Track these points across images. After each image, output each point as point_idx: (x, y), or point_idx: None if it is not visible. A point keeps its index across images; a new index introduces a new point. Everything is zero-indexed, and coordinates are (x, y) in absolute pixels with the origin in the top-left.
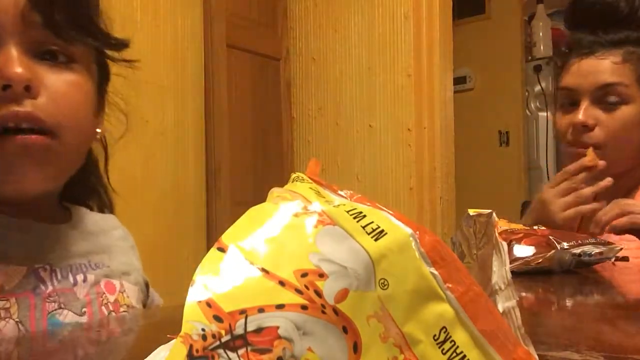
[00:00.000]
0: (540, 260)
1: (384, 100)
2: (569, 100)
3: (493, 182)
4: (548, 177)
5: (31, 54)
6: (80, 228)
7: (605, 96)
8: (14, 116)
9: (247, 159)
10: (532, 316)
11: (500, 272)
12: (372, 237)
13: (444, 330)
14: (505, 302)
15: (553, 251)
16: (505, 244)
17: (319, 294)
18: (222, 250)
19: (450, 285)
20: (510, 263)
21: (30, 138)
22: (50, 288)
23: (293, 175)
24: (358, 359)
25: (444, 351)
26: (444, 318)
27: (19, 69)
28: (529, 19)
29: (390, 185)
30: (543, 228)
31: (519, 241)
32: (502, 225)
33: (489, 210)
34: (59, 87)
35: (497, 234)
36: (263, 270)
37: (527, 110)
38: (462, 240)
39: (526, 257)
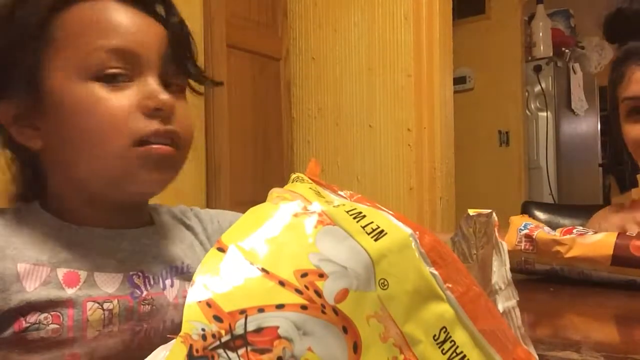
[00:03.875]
0: None
1: (383, 100)
2: (637, 110)
3: (493, 182)
4: (548, 177)
5: (162, 84)
6: (164, 231)
7: None
8: (164, 132)
9: (247, 158)
10: (532, 316)
11: (500, 272)
12: (372, 237)
13: (444, 330)
14: (505, 302)
15: None
16: (505, 244)
17: (319, 294)
18: (222, 250)
19: (450, 286)
20: None
21: (166, 148)
22: (145, 292)
23: (293, 176)
24: (358, 358)
25: (444, 351)
26: (443, 318)
27: (167, 97)
28: (528, 19)
29: (390, 185)
30: None
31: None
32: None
33: (489, 210)
34: (182, 111)
35: (497, 234)
36: (263, 270)
37: (527, 110)
38: (462, 240)
39: None
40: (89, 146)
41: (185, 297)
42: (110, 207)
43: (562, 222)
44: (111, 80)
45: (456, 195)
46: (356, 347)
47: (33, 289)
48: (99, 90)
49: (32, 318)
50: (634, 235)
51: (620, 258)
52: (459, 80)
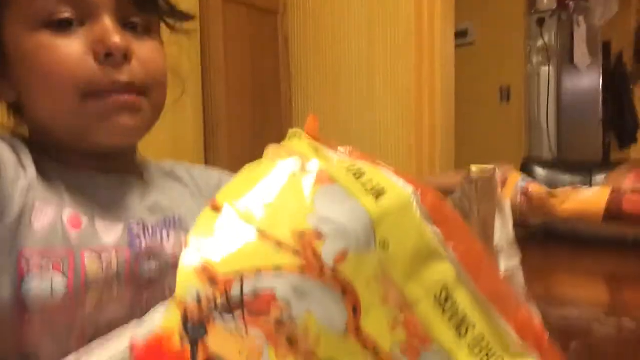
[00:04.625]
0: None
1: (384, 56)
2: None
3: (494, 138)
4: (548, 133)
5: (119, 25)
6: (152, 182)
7: None
8: (114, 83)
9: (245, 114)
10: (528, 273)
11: (502, 231)
12: (372, 196)
13: (445, 290)
14: (507, 262)
15: None
16: (508, 202)
17: (316, 255)
18: (216, 209)
19: (452, 244)
20: None
21: (125, 97)
22: (144, 243)
23: (290, 132)
24: (358, 321)
25: (444, 311)
26: (445, 278)
27: (118, 39)
28: None
29: (390, 142)
30: None
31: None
32: None
33: (492, 166)
34: (146, 53)
35: (499, 192)
36: (259, 231)
37: (529, 65)
38: (463, 197)
39: None
40: (42, 99)
41: (181, 251)
42: (97, 155)
43: (562, 177)
44: (61, 27)
45: (456, 152)
46: (356, 310)
47: (41, 227)
48: (47, 38)
49: (34, 264)
50: (628, 191)
51: (612, 213)
52: (460, 34)
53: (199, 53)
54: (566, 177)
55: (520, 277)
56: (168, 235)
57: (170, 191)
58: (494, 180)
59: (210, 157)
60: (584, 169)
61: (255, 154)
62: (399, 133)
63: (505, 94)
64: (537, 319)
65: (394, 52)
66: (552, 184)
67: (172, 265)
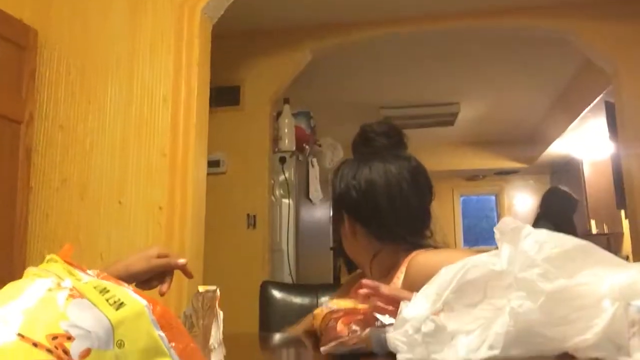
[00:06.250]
0: (355, 341)
1: (136, 177)
2: None
3: (240, 262)
4: (288, 258)
5: None
6: None
7: None
8: None
9: None
10: None
11: (216, 335)
12: (113, 307)
13: None
14: (216, 357)
15: (368, 330)
16: (221, 313)
17: (66, 352)
18: None
19: (173, 344)
20: (327, 343)
21: None
22: None
23: (47, 257)
24: None
25: None
26: None
27: None
28: (277, 116)
29: None
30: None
31: (337, 320)
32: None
33: (214, 287)
34: None
35: (217, 305)
36: (19, 335)
37: (272, 197)
38: (192, 312)
39: (341, 337)
40: None
41: None
42: None
43: (295, 300)
44: None
45: (204, 273)
46: None
47: None
48: None
49: None
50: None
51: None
52: (213, 164)
53: None
54: (298, 299)
55: None
56: None
57: None
58: (215, 297)
59: None
60: (313, 291)
61: None
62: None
63: (252, 221)
64: None
65: (147, 172)
66: (287, 305)
67: None
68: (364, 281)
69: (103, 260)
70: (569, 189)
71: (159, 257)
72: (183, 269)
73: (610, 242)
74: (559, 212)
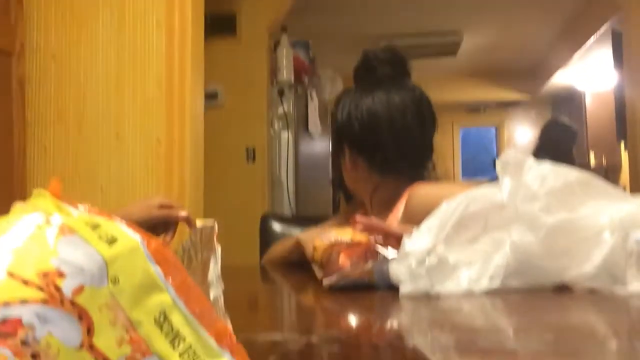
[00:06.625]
0: (358, 274)
1: (133, 109)
2: None
3: (240, 196)
4: (288, 191)
5: None
6: None
7: None
8: None
9: None
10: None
11: (214, 269)
12: (106, 243)
13: (163, 313)
14: (215, 292)
15: (370, 263)
16: (219, 247)
17: (58, 289)
18: None
19: (170, 279)
20: (329, 276)
21: None
22: None
23: (35, 192)
24: (91, 339)
25: (162, 329)
26: (163, 304)
27: None
28: (274, 46)
29: (137, 197)
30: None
31: (338, 253)
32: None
33: (212, 220)
34: None
35: (215, 239)
36: (8, 273)
37: (271, 130)
38: (190, 246)
39: (343, 270)
40: None
41: None
42: None
43: (294, 232)
44: None
45: (205, 207)
46: (89, 331)
47: None
48: None
49: None
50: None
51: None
52: (210, 96)
53: None
54: (298, 232)
55: (221, 301)
56: None
57: None
58: (213, 230)
59: None
60: (312, 223)
61: None
62: (148, 187)
63: (251, 154)
64: (229, 328)
65: (144, 104)
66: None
67: None
68: (358, 217)
69: (103, 193)
70: (569, 121)
71: (161, 207)
72: (186, 221)
73: (608, 174)
74: (557, 144)
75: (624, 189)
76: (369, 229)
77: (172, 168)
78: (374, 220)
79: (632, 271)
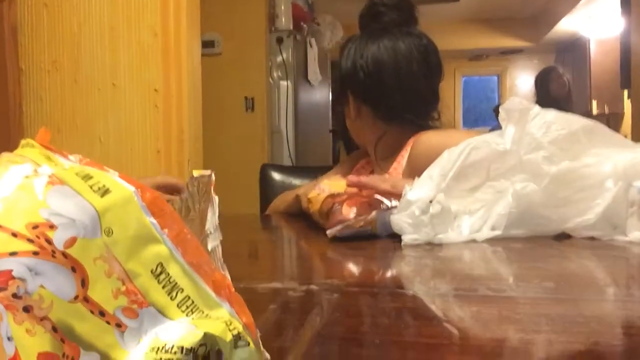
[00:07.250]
0: (362, 223)
1: (128, 58)
2: None
3: (239, 145)
4: (287, 141)
5: None
6: None
7: None
8: None
9: None
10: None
11: (212, 220)
12: (98, 194)
13: (160, 265)
14: (213, 242)
15: (374, 212)
16: (216, 198)
17: (49, 241)
18: None
19: (166, 231)
20: (333, 226)
21: None
22: None
23: (23, 142)
24: (86, 291)
25: (160, 281)
26: (160, 256)
27: None
28: None
29: (136, 147)
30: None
31: (341, 204)
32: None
33: (209, 171)
34: None
35: (212, 190)
36: None
37: (270, 79)
38: (188, 197)
39: (346, 220)
40: None
41: None
42: None
43: (294, 182)
44: None
45: (204, 157)
46: (84, 283)
47: None
48: None
49: None
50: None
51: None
52: (207, 44)
53: None
54: (297, 181)
55: (219, 251)
56: None
57: None
58: (210, 180)
59: None
60: (312, 173)
61: None
62: (147, 137)
63: (250, 104)
64: (227, 279)
65: (139, 57)
66: (287, 187)
67: None
68: (349, 177)
69: (102, 143)
70: (564, 70)
71: (165, 186)
72: None
73: (609, 122)
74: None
75: (625, 137)
76: (359, 187)
77: (171, 117)
78: (364, 178)
79: (632, 220)
